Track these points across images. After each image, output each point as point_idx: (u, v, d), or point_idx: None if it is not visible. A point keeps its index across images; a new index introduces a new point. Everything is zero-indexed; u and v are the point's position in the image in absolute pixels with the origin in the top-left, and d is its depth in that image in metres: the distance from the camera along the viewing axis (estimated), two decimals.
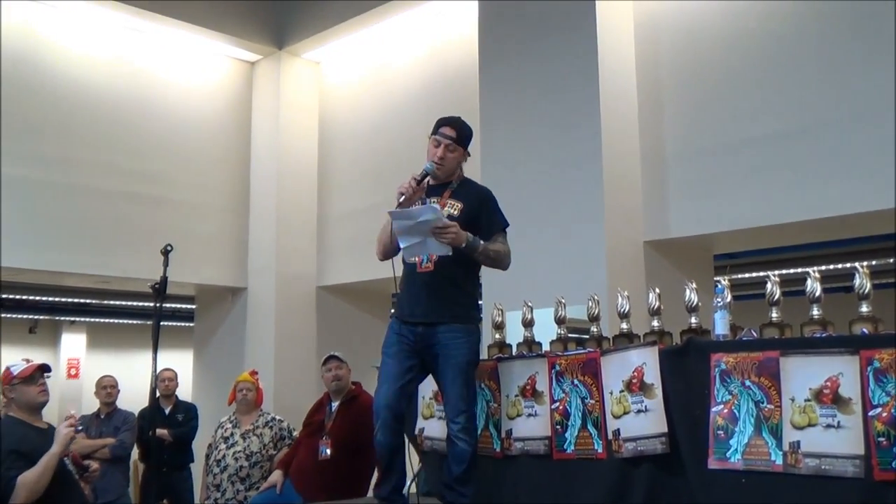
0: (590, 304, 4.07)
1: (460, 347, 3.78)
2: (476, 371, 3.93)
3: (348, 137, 8.98)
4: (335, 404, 5.44)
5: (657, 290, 3.85)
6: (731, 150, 5.89)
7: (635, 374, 3.53)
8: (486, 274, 6.24)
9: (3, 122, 7.59)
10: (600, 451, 3.64)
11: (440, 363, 3.80)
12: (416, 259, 3.87)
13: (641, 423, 3.46)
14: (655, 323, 3.78)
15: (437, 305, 3.82)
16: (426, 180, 3.92)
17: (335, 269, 8.97)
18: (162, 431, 6.61)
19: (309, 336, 8.79)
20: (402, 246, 3.84)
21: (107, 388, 6.71)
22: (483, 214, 3.91)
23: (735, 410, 3.19)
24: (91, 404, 6.74)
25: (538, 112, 6.27)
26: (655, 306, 3.81)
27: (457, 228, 3.72)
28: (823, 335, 3.18)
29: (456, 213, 3.86)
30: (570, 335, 4.14)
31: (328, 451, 5.28)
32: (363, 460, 5.38)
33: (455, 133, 3.94)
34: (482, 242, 3.81)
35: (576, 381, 3.78)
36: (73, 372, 16.97)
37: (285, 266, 8.87)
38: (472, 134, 4.08)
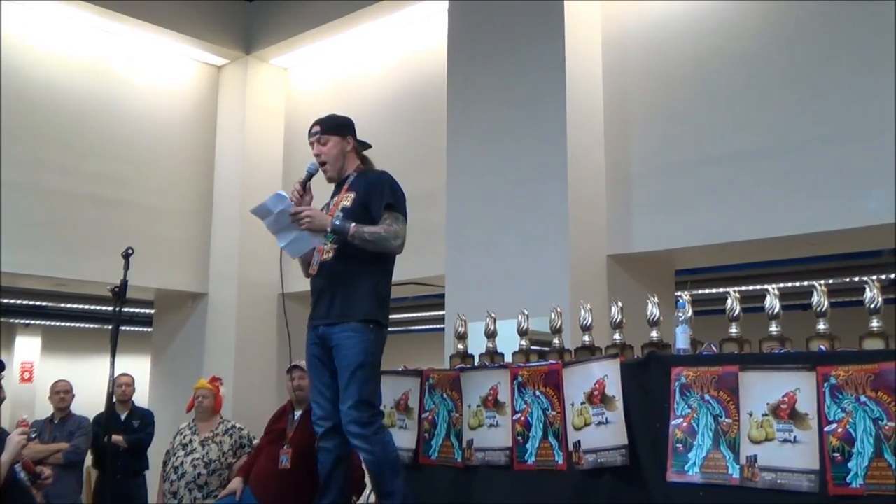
0: (553, 316, 4.09)
1: (352, 347, 3.65)
2: (375, 373, 3.73)
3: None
4: (298, 413, 5.39)
5: (619, 304, 3.88)
6: (695, 167, 5.97)
7: (596, 386, 3.55)
8: (451, 284, 6.30)
9: None
10: (561, 462, 3.66)
11: (336, 365, 3.73)
12: (305, 256, 3.91)
13: (602, 436, 3.48)
14: (617, 336, 3.81)
15: (329, 305, 3.79)
16: (309, 183, 4.03)
17: (297, 276, 8.88)
18: (117, 437, 6.50)
19: (270, 343, 8.72)
20: (280, 245, 3.85)
21: (60, 393, 6.59)
22: (373, 198, 3.78)
23: (694, 424, 3.23)
24: (44, 409, 6.64)
25: (505, 125, 6.30)
26: (617, 320, 3.83)
27: (311, 211, 3.72)
28: (782, 351, 3.23)
29: (349, 203, 3.84)
30: (532, 347, 4.15)
31: (288, 461, 5.23)
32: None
33: (320, 126, 4.00)
34: (353, 225, 3.66)
35: (538, 393, 3.79)
36: (26, 376, 16.64)
37: (247, 272, 8.79)
38: (348, 121, 4.06)
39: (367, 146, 4.10)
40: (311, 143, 4.00)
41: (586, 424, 3.56)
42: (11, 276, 8.45)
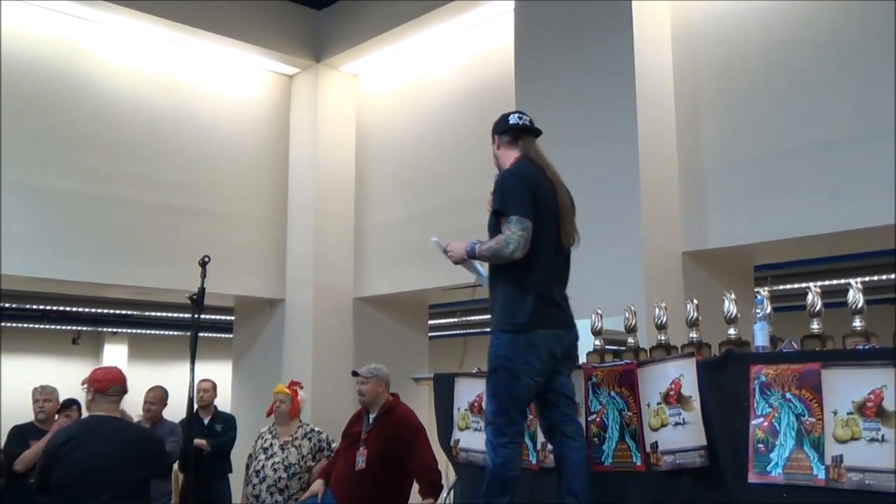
0: (627, 315, 4.04)
1: (488, 354, 3.64)
2: (499, 379, 3.57)
3: (385, 149, 9.03)
4: (372, 416, 5.45)
5: (695, 301, 3.81)
6: (771, 159, 5.82)
7: (672, 386, 3.49)
8: None
9: (46, 134, 7.76)
10: (639, 463, 3.60)
11: None
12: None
13: (679, 436, 3.42)
14: (693, 334, 3.74)
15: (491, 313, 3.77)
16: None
17: (372, 280, 9.00)
18: (200, 442, 6.66)
19: (346, 347, 8.83)
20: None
21: (146, 404, 6.69)
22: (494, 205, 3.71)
23: (776, 423, 3.14)
24: (132, 414, 6.80)
25: (574, 123, 6.25)
26: (693, 317, 3.76)
27: (450, 247, 3.75)
28: (866, 347, 3.11)
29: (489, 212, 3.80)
30: (606, 347, 4.11)
31: (363, 461, 5.29)
32: (399, 473, 5.38)
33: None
34: (476, 246, 3.64)
35: (613, 393, 3.75)
36: None
37: (323, 277, 8.92)
38: (498, 120, 3.91)
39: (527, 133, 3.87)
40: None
41: (663, 425, 3.50)
42: (97, 286, 8.76)
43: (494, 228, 3.64)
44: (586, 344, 4.11)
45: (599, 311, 4.16)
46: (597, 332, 4.12)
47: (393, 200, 8.84)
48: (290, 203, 9.31)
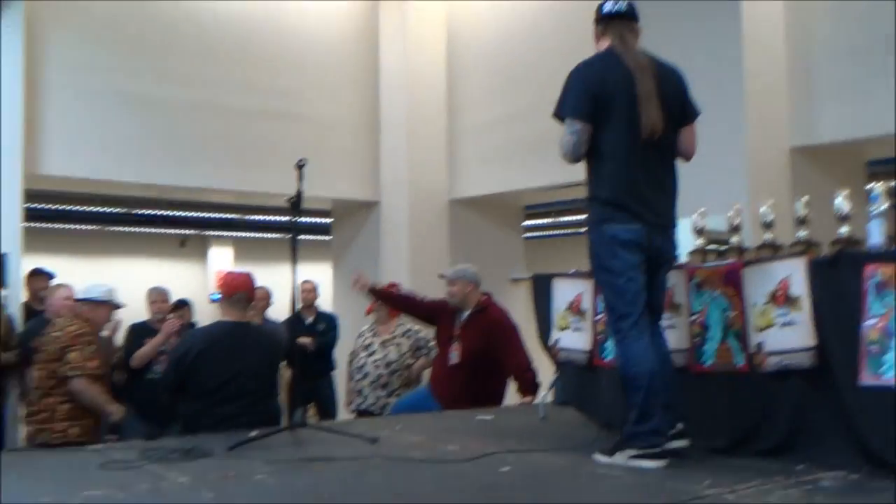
0: (731, 213, 3.91)
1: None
2: (597, 277, 3.59)
3: (479, 46, 8.84)
4: (465, 314, 5.50)
5: (805, 199, 3.65)
6: (885, 48, 5.44)
7: (780, 286, 3.38)
8: None
9: (149, 43, 7.87)
10: (742, 364, 3.54)
11: None
12: None
13: (787, 337, 3.33)
14: (802, 233, 3.59)
15: None
16: None
17: (467, 181, 8.97)
18: (304, 340, 6.88)
19: (442, 249, 8.88)
20: None
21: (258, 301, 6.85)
22: None
23: (890, 325, 3.01)
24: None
25: (673, 12, 5.95)
26: (802, 215, 3.61)
27: None
28: None
29: None
30: (709, 247, 4.00)
31: (457, 357, 5.38)
32: (493, 370, 5.45)
33: None
34: None
35: (716, 293, 3.66)
36: None
37: (417, 179, 8.94)
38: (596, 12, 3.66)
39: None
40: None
41: (769, 325, 3.41)
42: (200, 190, 9.02)
43: None
44: (688, 243, 4.02)
45: (702, 210, 4.03)
46: (699, 232, 4.01)
47: (487, 99, 8.70)
48: (382, 105, 9.28)
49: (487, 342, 5.34)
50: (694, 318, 3.75)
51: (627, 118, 3.41)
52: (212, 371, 4.38)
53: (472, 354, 5.34)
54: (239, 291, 4.59)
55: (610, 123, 3.42)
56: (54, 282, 6.52)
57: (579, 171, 3.66)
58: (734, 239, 3.89)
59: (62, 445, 4.42)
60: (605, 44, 3.60)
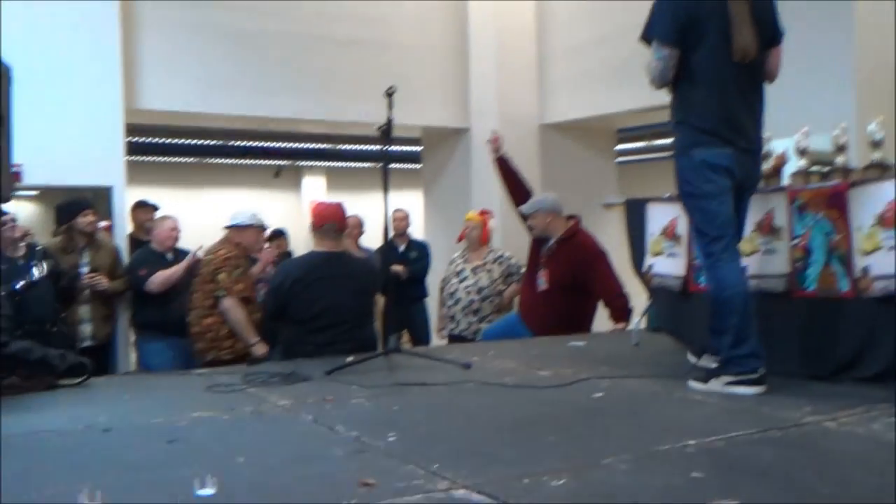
0: (836, 132, 3.73)
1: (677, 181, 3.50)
2: (687, 203, 3.49)
3: None
4: (551, 241, 5.45)
5: None
6: None
7: (888, 207, 3.23)
8: None
9: None
10: (847, 289, 3.41)
11: None
12: None
13: (894, 261, 3.19)
14: None
15: None
16: None
17: (558, 106, 8.80)
18: (397, 268, 6.96)
19: (533, 174, 8.71)
20: None
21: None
22: None
23: None
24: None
25: None
26: None
27: None
28: None
29: None
30: (812, 168, 3.84)
31: (545, 282, 5.36)
32: (581, 296, 5.41)
33: None
34: None
35: (819, 216, 3.52)
36: None
37: (507, 105, 8.81)
38: None
39: None
40: None
41: (876, 249, 3.27)
42: (292, 121, 9.12)
43: None
44: (790, 165, 3.87)
45: (805, 130, 3.86)
46: (802, 152, 3.85)
47: (577, 21, 8.46)
48: (471, 31, 9.12)
49: (575, 269, 5.30)
50: (796, 241, 3.62)
51: (720, 41, 3.31)
52: (307, 299, 4.49)
53: (560, 281, 5.31)
54: (328, 222, 4.66)
55: (701, 46, 3.31)
56: (158, 213, 6.75)
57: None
58: (839, 159, 3.72)
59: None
60: None
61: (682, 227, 4.15)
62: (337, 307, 4.50)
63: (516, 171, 5.71)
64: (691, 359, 3.87)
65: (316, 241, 4.77)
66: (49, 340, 4.16)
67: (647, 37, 3.41)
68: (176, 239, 6.15)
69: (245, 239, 5.16)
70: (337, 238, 4.71)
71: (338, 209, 4.76)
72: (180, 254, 6.07)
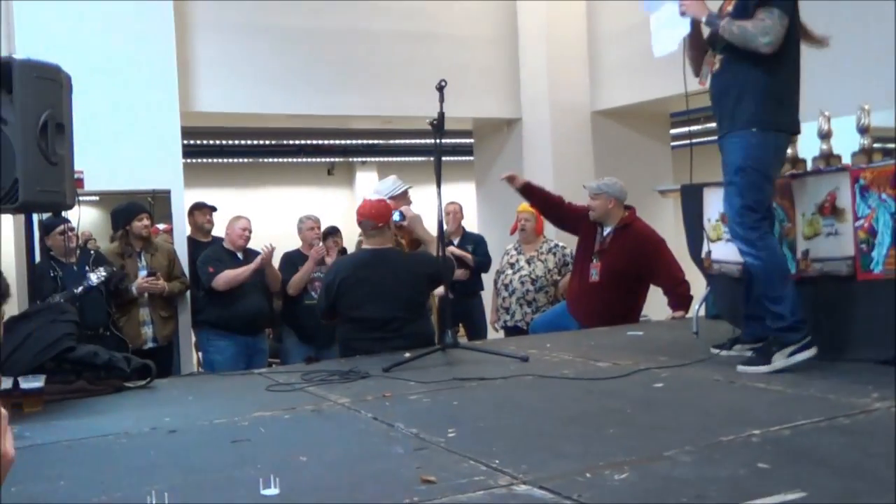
0: None
1: (731, 153, 3.49)
2: (758, 178, 3.46)
3: None
4: (607, 230, 5.38)
5: None
6: None
7: None
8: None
9: None
10: None
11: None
12: (670, 52, 3.71)
13: None
14: None
15: (720, 117, 3.60)
16: None
17: (609, 92, 8.71)
18: (464, 255, 6.78)
19: (586, 163, 8.71)
20: (653, 41, 3.81)
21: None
22: None
23: None
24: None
25: None
26: None
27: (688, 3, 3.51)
28: None
29: (731, 9, 3.52)
30: (875, 145, 3.72)
31: (597, 274, 5.30)
32: (634, 287, 5.34)
33: None
34: (726, 19, 3.42)
35: (884, 196, 3.42)
36: None
37: (557, 93, 8.76)
38: None
39: None
40: None
41: None
42: (345, 118, 9.18)
43: (740, 13, 3.40)
44: (852, 143, 3.76)
45: (866, 106, 3.75)
46: (864, 130, 3.74)
47: (626, 5, 8.34)
48: (520, 20, 9.07)
49: (634, 259, 5.23)
50: (860, 223, 3.52)
51: (796, 23, 3.42)
52: (355, 298, 4.51)
53: (615, 272, 5.24)
54: (363, 219, 4.65)
55: (795, 26, 3.42)
56: (216, 215, 6.85)
57: None
58: None
59: None
60: None
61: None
62: (385, 304, 4.49)
63: (541, 190, 5.67)
64: (716, 350, 3.81)
65: (364, 240, 4.81)
66: (103, 345, 4.25)
67: (772, 4, 3.36)
68: (247, 239, 6.26)
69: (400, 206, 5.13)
70: (379, 234, 4.67)
71: (371, 206, 4.69)
72: (251, 254, 6.17)
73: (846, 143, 3.80)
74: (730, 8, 3.54)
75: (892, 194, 3.39)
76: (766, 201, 3.53)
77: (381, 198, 4.77)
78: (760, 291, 3.54)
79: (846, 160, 3.77)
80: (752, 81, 3.44)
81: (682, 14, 3.56)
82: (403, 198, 5.04)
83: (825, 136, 3.85)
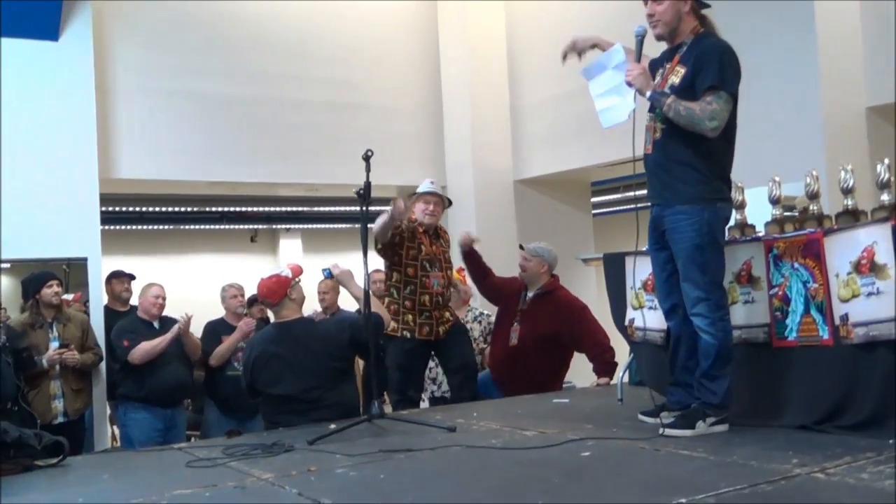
0: (808, 180, 3.78)
1: (685, 231, 3.49)
2: (709, 254, 3.49)
3: (537, 22, 8.70)
4: (530, 294, 5.45)
5: (886, 161, 3.51)
6: None
7: (864, 254, 3.26)
8: None
9: (208, 42, 7.97)
10: (826, 337, 3.43)
11: (673, 250, 3.60)
12: (618, 123, 3.74)
13: (874, 307, 3.21)
14: (885, 197, 3.46)
15: (661, 187, 3.61)
16: (642, 47, 3.65)
17: (532, 161, 8.87)
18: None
19: (509, 230, 8.80)
20: (598, 109, 3.84)
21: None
22: (698, 75, 3.46)
23: None
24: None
25: None
26: (885, 178, 3.48)
27: (641, 70, 3.56)
28: None
29: (677, 80, 3.52)
30: (786, 215, 3.87)
31: (516, 338, 5.33)
32: (553, 353, 5.38)
33: None
34: (672, 97, 3.44)
35: (796, 265, 3.55)
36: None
37: (481, 161, 8.88)
38: None
39: (707, 6, 3.67)
40: (645, 1, 3.65)
41: (854, 296, 3.29)
42: (269, 185, 9.12)
43: (688, 97, 3.44)
44: (764, 214, 3.90)
45: (777, 178, 3.91)
46: (775, 201, 3.88)
47: (548, 76, 8.56)
48: (444, 89, 9.22)
49: (558, 324, 5.29)
50: (774, 291, 3.64)
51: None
52: (272, 374, 4.45)
53: (536, 336, 5.28)
54: (262, 298, 4.67)
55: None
56: (135, 283, 6.68)
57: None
58: (813, 207, 3.77)
59: None
60: (693, 22, 3.61)
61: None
62: (300, 377, 4.42)
63: (482, 259, 5.74)
64: (644, 418, 3.84)
65: (273, 315, 4.79)
66: (11, 420, 4.06)
67: (724, 86, 3.41)
68: (161, 307, 6.09)
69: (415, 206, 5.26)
70: (283, 308, 4.61)
71: (263, 286, 4.62)
72: (167, 322, 6.01)
73: (760, 214, 3.95)
74: (675, 79, 3.53)
75: (804, 263, 3.52)
76: (722, 276, 3.59)
77: (273, 273, 4.72)
78: (703, 368, 3.52)
79: (760, 230, 3.91)
80: (698, 156, 3.48)
81: (629, 84, 3.57)
82: (420, 199, 5.21)
83: (739, 206, 3.99)
